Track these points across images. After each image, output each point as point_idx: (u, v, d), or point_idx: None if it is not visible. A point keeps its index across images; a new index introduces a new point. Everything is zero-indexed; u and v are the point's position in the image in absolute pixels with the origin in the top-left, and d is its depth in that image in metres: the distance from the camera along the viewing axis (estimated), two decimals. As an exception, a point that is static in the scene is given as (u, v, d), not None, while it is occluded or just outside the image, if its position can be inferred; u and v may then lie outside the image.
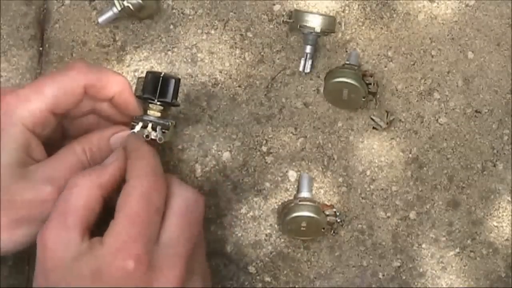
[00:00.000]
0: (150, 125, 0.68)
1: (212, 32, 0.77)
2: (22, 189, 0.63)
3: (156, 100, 0.69)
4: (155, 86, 0.68)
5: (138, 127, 0.68)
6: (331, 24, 0.74)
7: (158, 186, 0.63)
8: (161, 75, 0.69)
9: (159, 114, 0.69)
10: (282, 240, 0.75)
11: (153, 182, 0.62)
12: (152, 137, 0.68)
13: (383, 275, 0.75)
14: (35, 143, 0.65)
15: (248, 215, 0.76)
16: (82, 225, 0.61)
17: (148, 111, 0.69)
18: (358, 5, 0.76)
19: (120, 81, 0.67)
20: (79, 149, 0.66)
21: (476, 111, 0.76)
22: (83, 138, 0.67)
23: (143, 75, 0.69)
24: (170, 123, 0.69)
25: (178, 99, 0.70)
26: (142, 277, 0.59)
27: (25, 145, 0.64)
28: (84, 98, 0.66)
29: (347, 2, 0.76)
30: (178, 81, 0.70)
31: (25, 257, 0.74)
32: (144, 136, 0.68)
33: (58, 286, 0.60)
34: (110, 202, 0.63)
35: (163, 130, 0.69)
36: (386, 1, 0.76)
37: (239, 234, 0.75)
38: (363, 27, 0.76)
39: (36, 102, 0.64)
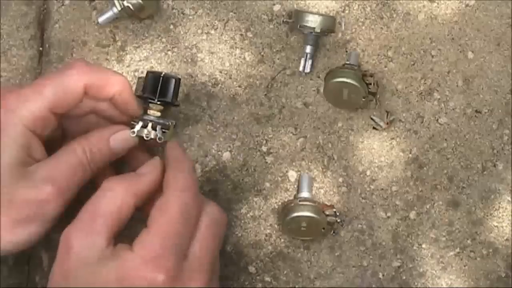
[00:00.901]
0: (150, 124, 0.68)
1: (212, 32, 0.77)
2: (23, 189, 0.63)
3: (156, 100, 0.69)
4: (155, 86, 0.69)
5: (138, 127, 0.68)
6: (331, 24, 0.74)
7: (195, 202, 0.63)
8: (162, 75, 0.69)
9: (159, 114, 0.69)
10: (282, 240, 0.75)
11: (191, 198, 0.63)
12: (152, 137, 0.68)
13: (383, 275, 0.75)
14: (36, 143, 0.65)
15: (248, 215, 0.76)
16: (110, 231, 0.61)
17: (148, 110, 0.69)
18: (358, 5, 0.76)
19: (120, 80, 0.67)
20: (79, 149, 0.66)
21: (476, 111, 0.76)
22: (83, 138, 0.67)
23: (143, 75, 0.69)
24: (170, 123, 0.69)
25: (178, 99, 0.70)
26: None
27: (26, 145, 0.64)
28: (84, 98, 0.66)
29: (347, 2, 0.76)
30: (178, 81, 0.70)
31: (25, 257, 0.75)
32: (144, 135, 0.68)
33: (79, 286, 0.60)
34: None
35: (163, 130, 0.69)
36: (386, 1, 0.76)
37: (239, 234, 0.75)
38: (363, 27, 0.76)
39: (37, 101, 0.64)
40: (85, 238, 0.61)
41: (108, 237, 0.61)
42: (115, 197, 0.62)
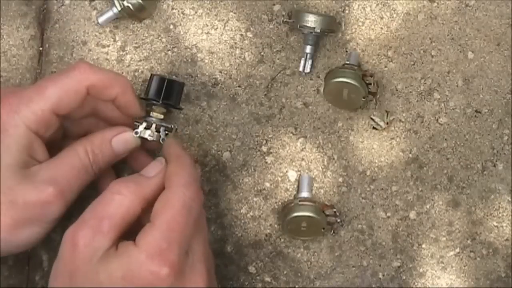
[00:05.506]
0: (153, 126, 0.68)
1: (212, 32, 0.76)
2: (24, 190, 0.63)
3: (160, 102, 0.69)
4: (160, 88, 0.69)
5: (141, 128, 0.68)
6: (331, 24, 0.74)
7: (198, 197, 0.64)
8: (166, 78, 0.69)
9: (162, 116, 0.69)
10: (282, 240, 0.75)
11: (194, 193, 0.63)
12: (155, 138, 0.68)
13: (383, 275, 0.75)
14: (38, 144, 0.65)
15: (248, 215, 0.76)
16: (116, 233, 0.61)
17: (151, 112, 0.69)
18: (358, 5, 0.76)
19: (122, 82, 0.67)
20: (81, 151, 0.66)
21: (476, 111, 0.76)
22: (85, 139, 0.67)
23: (143, 75, 0.70)
24: (173, 126, 0.70)
25: (180, 102, 0.71)
26: (173, 283, 0.60)
27: (28, 146, 0.64)
28: (86, 99, 0.66)
29: (347, 2, 0.76)
30: (182, 84, 0.70)
31: (25, 257, 0.74)
32: (148, 136, 0.68)
33: (85, 286, 0.60)
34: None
35: (166, 132, 0.69)
36: (386, 1, 0.76)
37: (239, 234, 0.75)
38: (363, 27, 0.76)
39: (39, 102, 0.64)
40: (92, 238, 0.61)
41: (114, 239, 0.61)
42: (123, 201, 0.62)
